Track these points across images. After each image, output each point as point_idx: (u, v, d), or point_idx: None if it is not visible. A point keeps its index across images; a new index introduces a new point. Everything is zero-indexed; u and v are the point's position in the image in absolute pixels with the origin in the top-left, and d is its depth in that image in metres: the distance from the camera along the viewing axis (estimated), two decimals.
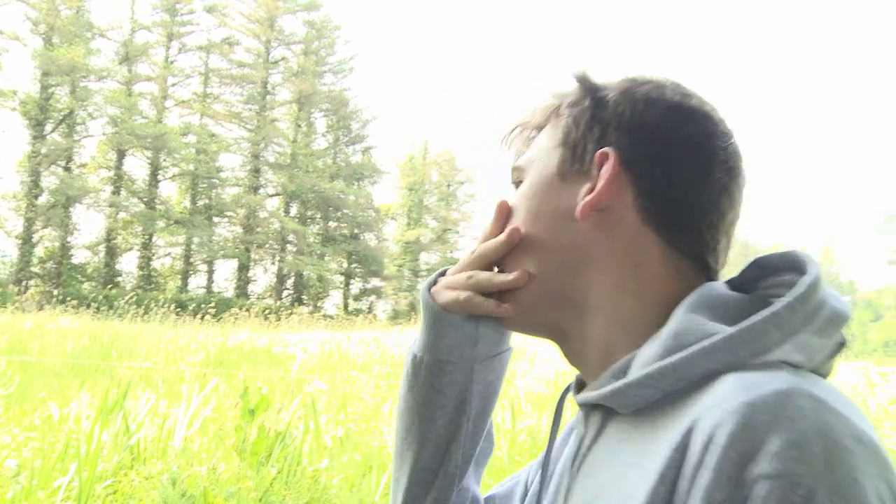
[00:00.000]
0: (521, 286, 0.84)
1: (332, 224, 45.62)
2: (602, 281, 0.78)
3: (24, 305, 18.79)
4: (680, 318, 0.69)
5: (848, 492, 0.51)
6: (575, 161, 0.81)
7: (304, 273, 42.54)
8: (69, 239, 36.59)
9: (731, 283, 0.78)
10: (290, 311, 23.96)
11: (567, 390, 0.90)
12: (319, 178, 43.67)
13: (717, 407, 0.58)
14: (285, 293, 42.86)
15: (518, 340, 1.01)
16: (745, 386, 0.58)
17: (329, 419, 6.25)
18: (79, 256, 37.94)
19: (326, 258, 44.29)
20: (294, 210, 44.53)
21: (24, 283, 32.69)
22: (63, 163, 36.35)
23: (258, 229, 41.73)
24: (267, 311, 22.17)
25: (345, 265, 45.45)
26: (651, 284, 0.76)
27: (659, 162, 0.77)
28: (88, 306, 18.23)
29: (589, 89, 0.83)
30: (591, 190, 0.78)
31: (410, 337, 17.65)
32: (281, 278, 42.81)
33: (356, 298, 45.88)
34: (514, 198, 0.88)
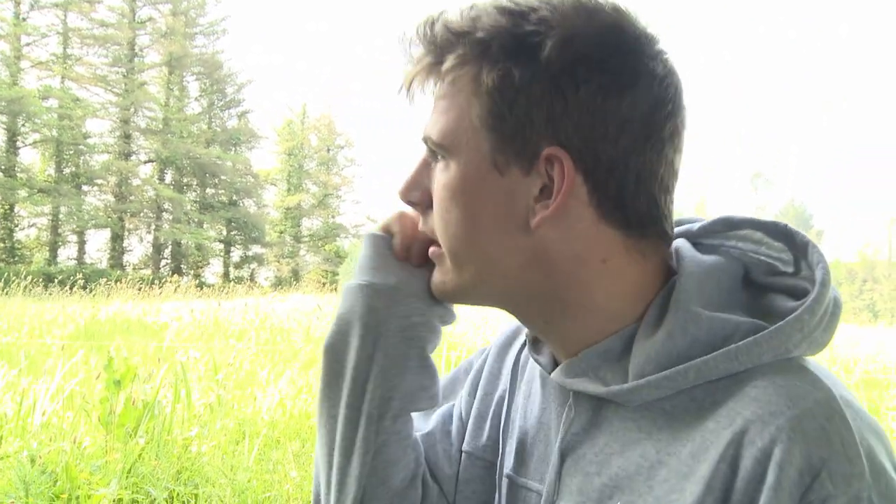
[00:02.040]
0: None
1: (209, 191, 44.32)
2: (567, 279, 0.74)
3: None
4: (686, 311, 0.70)
5: (888, 491, 0.60)
6: (512, 151, 0.72)
7: (182, 242, 41.29)
8: None
9: (691, 237, 0.80)
10: (166, 281, 23.20)
11: (523, 347, 0.92)
12: (194, 143, 42.25)
13: (766, 421, 0.61)
14: (163, 263, 41.52)
15: None
16: (787, 396, 0.62)
17: (202, 388, 6.13)
18: None
19: (205, 226, 43.09)
20: (169, 177, 42.99)
21: None
22: None
23: (131, 197, 40.12)
24: (142, 282, 21.42)
25: (224, 233, 44.35)
26: (620, 275, 0.74)
27: (611, 148, 0.70)
28: None
29: (511, 48, 0.71)
30: (542, 190, 0.72)
31: (293, 302, 17.47)
32: (157, 248, 41.42)
33: (237, 266, 44.93)
34: (436, 178, 0.78)
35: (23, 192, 36.52)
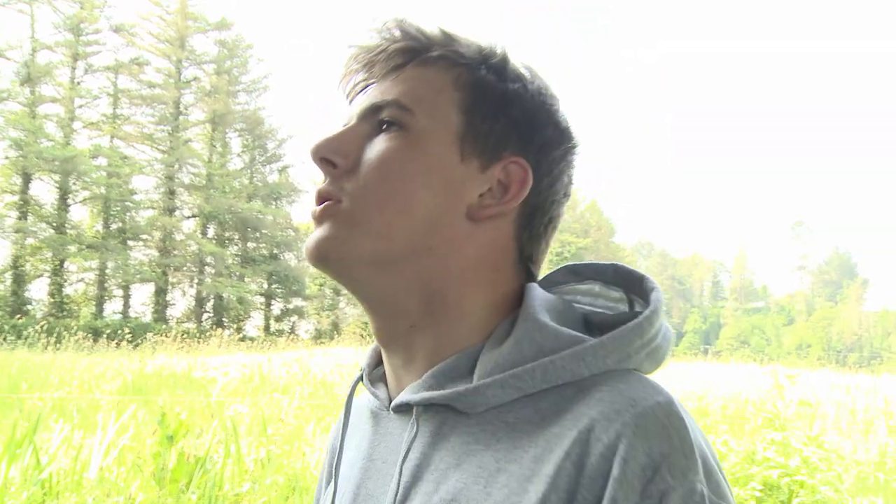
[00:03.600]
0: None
1: (250, 245, 44.90)
2: (461, 276, 0.73)
3: None
4: (535, 321, 0.70)
5: (718, 490, 0.61)
6: (478, 144, 0.73)
7: (224, 295, 41.72)
8: None
9: (541, 284, 0.80)
10: (210, 335, 23.44)
11: (356, 383, 0.86)
12: (236, 198, 42.98)
13: (611, 419, 0.61)
14: (205, 316, 41.94)
15: None
16: (630, 397, 0.62)
17: (251, 442, 6.17)
18: None
19: (246, 279, 43.54)
20: (211, 231, 43.67)
21: None
22: None
23: (175, 252, 40.76)
24: (185, 336, 21.68)
25: (265, 286, 44.77)
26: (501, 289, 0.75)
27: (550, 177, 0.76)
28: None
29: (498, 68, 0.75)
30: (489, 191, 0.73)
31: (333, 355, 17.53)
32: (200, 301, 41.88)
33: (278, 319, 45.21)
34: (379, 146, 0.73)
35: (72, 248, 37.36)
